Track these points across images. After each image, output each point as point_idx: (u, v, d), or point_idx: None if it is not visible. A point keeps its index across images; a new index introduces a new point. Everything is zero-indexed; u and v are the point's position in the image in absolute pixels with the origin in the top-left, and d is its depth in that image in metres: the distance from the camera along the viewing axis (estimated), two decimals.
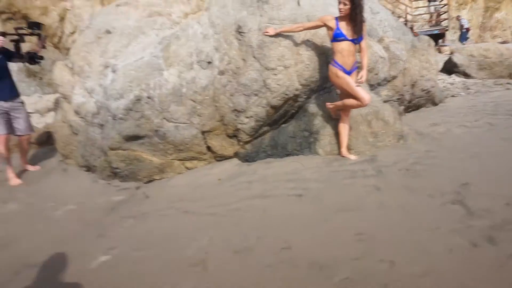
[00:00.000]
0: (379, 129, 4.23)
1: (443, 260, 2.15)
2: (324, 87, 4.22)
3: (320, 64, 3.98)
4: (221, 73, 4.03)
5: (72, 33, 9.40)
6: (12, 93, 4.38)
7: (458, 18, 15.64)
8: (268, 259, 2.37)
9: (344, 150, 3.99)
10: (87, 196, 3.89)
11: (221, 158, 4.41)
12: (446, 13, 15.64)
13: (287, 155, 4.24)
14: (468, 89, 7.68)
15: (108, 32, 3.95)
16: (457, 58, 9.79)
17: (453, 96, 6.91)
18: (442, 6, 14.31)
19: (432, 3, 13.90)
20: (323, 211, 2.88)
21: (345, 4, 3.45)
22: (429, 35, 8.88)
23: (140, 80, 3.69)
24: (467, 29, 15.81)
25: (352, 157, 3.94)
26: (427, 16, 14.17)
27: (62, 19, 9.30)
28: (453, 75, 9.63)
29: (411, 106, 5.47)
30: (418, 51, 5.15)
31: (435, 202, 2.84)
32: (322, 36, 4.00)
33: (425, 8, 14.52)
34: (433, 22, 13.38)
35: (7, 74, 4.33)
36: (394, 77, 4.71)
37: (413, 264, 2.15)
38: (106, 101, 3.73)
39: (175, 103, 3.88)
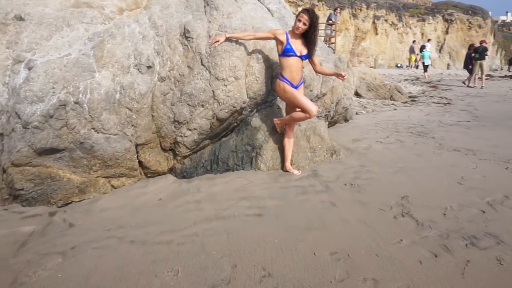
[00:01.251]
0: (316, 144, 4.36)
1: (419, 273, 2.24)
2: (266, 101, 4.15)
3: (267, 78, 3.91)
4: (162, 79, 3.60)
5: None
6: None
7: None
8: None
9: (288, 164, 3.98)
10: None
11: (153, 174, 3.93)
12: (334, 38, 17.56)
13: (227, 170, 4.02)
14: (365, 107, 8.64)
15: (20, 18, 3.12)
16: None
17: (356, 113, 7.66)
18: (333, 30, 16.00)
19: (329, 27, 15.38)
20: (290, 231, 2.76)
21: (304, 24, 3.50)
22: None
23: (67, 81, 3.01)
24: None
25: (296, 172, 3.95)
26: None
27: None
28: None
29: (331, 122, 5.83)
30: (340, 71, 5.53)
31: (388, 215, 3.00)
32: (269, 50, 3.94)
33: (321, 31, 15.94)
34: (327, 45, 14.82)
35: None
36: (324, 94, 4.94)
37: (396, 280, 2.18)
38: (17, 104, 2.91)
39: (107, 111, 3.29)
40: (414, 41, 25.54)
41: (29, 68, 3.02)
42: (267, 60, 3.96)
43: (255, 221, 2.93)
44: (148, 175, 3.92)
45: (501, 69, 31.83)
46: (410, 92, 11.51)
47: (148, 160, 3.77)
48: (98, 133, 3.31)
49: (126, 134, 3.49)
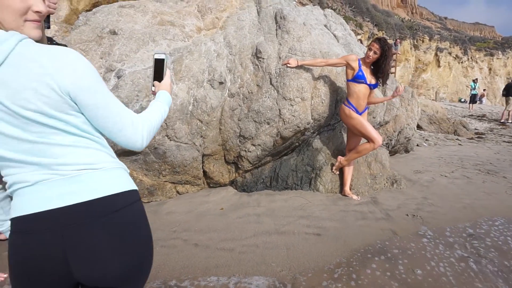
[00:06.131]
0: (377, 172, 4.28)
1: None
2: (329, 124, 4.20)
3: (331, 101, 3.96)
4: (231, 95, 3.81)
5: None
6: None
7: None
8: None
9: (347, 188, 3.94)
10: None
11: (215, 185, 4.09)
12: (394, 67, 17.24)
13: (286, 188, 4.07)
14: (427, 140, 8.30)
15: (114, 33, 3.52)
16: None
17: (417, 145, 7.39)
18: (394, 60, 15.80)
19: None
20: (352, 255, 2.72)
21: (375, 53, 3.53)
22: None
23: (149, 90, 3.31)
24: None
25: (355, 197, 3.90)
26: None
27: None
28: None
29: (392, 152, 5.69)
30: (404, 101, 5.45)
31: (453, 251, 2.84)
32: (335, 74, 4.02)
33: None
34: None
35: None
36: (386, 122, 4.87)
37: None
38: None
39: (181, 120, 3.54)
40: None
41: (119, 77, 3.36)
42: (333, 84, 4.03)
43: (315, 240, 2.93)
44: (211, 185, 4.09)
45: None
46: (476, 129, 10.87)
47: (212, 171, 3.94)
48: (170, 140, 3.55)
49: (195, 144, 3.71)
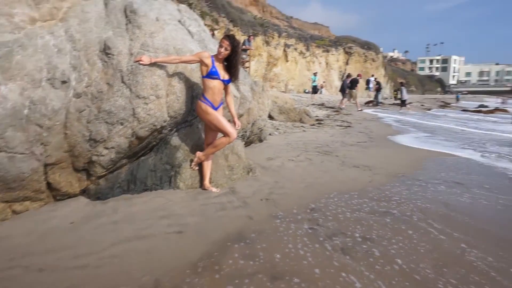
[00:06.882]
0: (234, 163, 4.57)
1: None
2: (186, 120, 4.25)
3: (187, 97, 4.02)
4: (78, 95, 3.47)
5: None
6: None
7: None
8: None
9: (207, 182, 4.09)
10: None
11: (63, 196, 3.69)
12: (248, 62, 18.45)
13: (145, 190, 3.97)
14: (278, 129, 9.23)
15: None
16: None
17: (270, 134, 8.15)
18: (248, 56, 16.88)
19: (243, 52, 16.18)
20: (213, 246, 2.85)
21: (226, 49, 3.72)
22: None
23: None
24: None
25: (214, 189, 4.08)
26: None
27: None
28: None
29: (247, 142, 6.13)
30: (256, 94, 5.92)
31: (301, 226, 3.29)
32: (190, 70, 4.08)
33: None
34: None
35: None
36: (241, 115, 5.21)
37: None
38: None
39: (14, 127, 3.04)
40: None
41: None
42: (188, 80, 4.08)
43: (176, 238, 2.96)
44: (58, 197, 3.66)
45: (390, 98, 36.64)
46: (317, 116, 12.63)
47: (58, 181, 3.53)
48: (1, 151, 3.02)
49: (34, 153, 3.24)
